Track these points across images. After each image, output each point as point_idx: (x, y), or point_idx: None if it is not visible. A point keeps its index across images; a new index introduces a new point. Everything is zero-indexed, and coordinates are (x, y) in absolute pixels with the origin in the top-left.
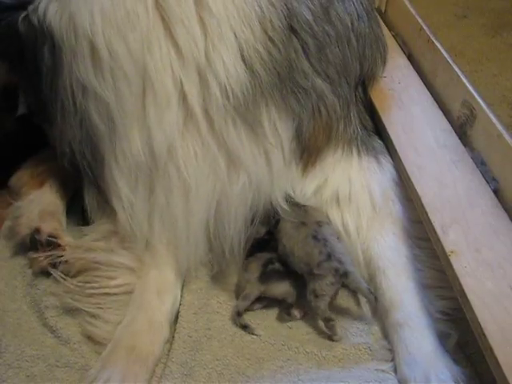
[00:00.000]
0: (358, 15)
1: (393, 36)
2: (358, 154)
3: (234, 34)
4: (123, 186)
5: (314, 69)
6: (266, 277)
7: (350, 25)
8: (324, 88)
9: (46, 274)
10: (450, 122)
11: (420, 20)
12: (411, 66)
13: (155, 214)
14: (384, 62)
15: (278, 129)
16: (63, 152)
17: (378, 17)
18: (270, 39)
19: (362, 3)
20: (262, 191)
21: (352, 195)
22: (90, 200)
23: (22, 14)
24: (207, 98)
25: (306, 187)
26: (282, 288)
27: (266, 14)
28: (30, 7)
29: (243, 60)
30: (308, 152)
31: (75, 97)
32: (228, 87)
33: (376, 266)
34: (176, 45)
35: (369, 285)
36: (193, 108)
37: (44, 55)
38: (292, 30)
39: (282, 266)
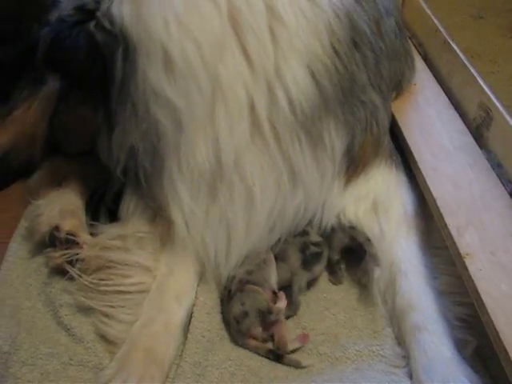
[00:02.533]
0: (395, 32)
1: (408, 37)
2: (395, 167)
3: (305, 46)
4: (184, 195)
5: (370, 83)
6: (307, 262)
7: (394, 39)
8: (378, 102)
9: (61, 272)
10: (466, 124)
11: (436, 21)
12: (427, 68)
13: (214, 223)
14: (411, 76)
15: (335, 143)
16: (118, 160)
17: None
18: (336, 52)
19: (395, 19)
20: (311, 205)
21: (388, 206)
22: (127, 207)
23: (92, 23)
24: (274, 111)
25: (346, 198)
26: (320, 267)
27: (333, 27)
28: (99, 12)
29: (311, 73)
30: (355, 165)
31: (147, 102)
32: (296, 101)
33: (398, 268)
34: (247, 54)
35: (388, 288)
36: (260, 120)
37: (117, 59)
38: (354, 43)
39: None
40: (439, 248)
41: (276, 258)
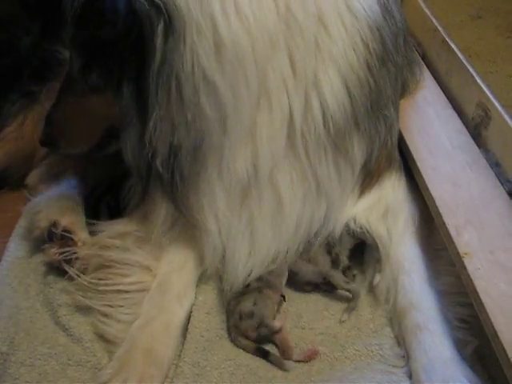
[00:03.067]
0: (404, 44)
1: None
2: (403, 176)
3: (342, 56)
4: (221, 203)
5: (392, 98)
6: (336, 263)
7: (405, 53)
8: (394, 117)
9: (59, 272)
10: (464, 123)
11: (435, 20)
12: (425, 67)
13: (239, 233)
14: (416, 85)
15: (356, 156)
16: (157, 151)
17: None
18: (368, 65)
19: (404, 31)
20: (331, 217)
21: (397, 213)
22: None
23: None
24: (307, 122)
25: (357, 208)
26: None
27: (367, 39)
28: None
29: (346, 85)
30: (370, 177)
31: (195, 85)
32: (330, 112)
33: (401, 266)
34: (292, 58)
35: (390, 287)
36: (295, 131)
37: (157, 32)
38: (382, 57)
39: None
40: (440, 249)
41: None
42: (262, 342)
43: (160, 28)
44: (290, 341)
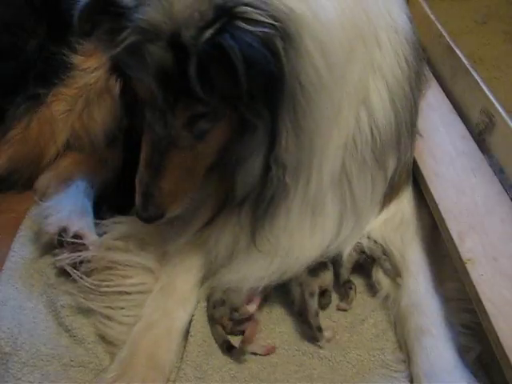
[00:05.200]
0: None
1: None
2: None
3: (389, 69)
4: (295, 220)
5: (419, 111)
6: (313, 270)
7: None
8: (418, 129)
9: (63, 273)
10: (468, 129)
11: (439, 26)
12: (430, 72)
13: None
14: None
15: (389, 172)
16: (285, 167)
17: None
18: (409, 79)
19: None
20: (352, 235)
21: (410, 222)
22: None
23: (242, 23)
24: (355, 138)
25: (374, 223)
26: (329, 274)
27: (407, 55)
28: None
29: (392, 98)
30: (391, 192)
31: (315, 89)
32: (379, 127)
33: (407, 269)
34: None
35: (396, 291)
36: (347, 146)
37: (279, 50)
38: (417, 71)
39: None
40: (445, 256)
41: None
42: (236, 333)
43: (280, 48)
44: (254, 333)
